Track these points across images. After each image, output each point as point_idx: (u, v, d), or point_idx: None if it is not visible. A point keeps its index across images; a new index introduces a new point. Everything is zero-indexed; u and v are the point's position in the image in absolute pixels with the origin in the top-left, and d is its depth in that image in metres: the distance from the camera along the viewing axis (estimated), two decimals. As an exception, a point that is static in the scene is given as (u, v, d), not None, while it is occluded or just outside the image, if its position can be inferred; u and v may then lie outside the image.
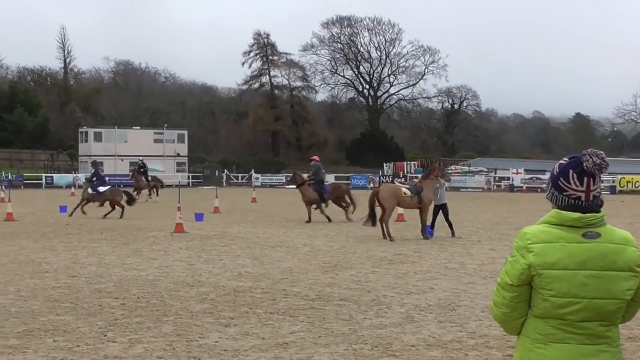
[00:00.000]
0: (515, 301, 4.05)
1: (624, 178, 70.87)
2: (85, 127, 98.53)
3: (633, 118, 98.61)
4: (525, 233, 4.05)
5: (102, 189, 35.14)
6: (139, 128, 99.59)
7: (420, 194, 23.91)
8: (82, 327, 10.68)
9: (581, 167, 4.02)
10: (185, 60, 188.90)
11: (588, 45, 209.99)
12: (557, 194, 4.08)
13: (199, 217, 30.87)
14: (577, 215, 3.98)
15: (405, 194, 24.05)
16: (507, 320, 4.14)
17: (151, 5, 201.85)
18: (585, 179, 4.02)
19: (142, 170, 53.49)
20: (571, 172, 4.03)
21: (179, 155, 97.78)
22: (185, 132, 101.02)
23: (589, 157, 4.02)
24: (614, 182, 70.26)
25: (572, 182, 4.03)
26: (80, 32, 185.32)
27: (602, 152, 4.06)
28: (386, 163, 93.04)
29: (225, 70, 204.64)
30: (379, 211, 24.13)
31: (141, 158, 61.72)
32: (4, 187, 56.07)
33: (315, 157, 35.35)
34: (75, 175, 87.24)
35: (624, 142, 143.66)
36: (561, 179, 4.06)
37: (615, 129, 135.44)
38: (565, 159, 4.15)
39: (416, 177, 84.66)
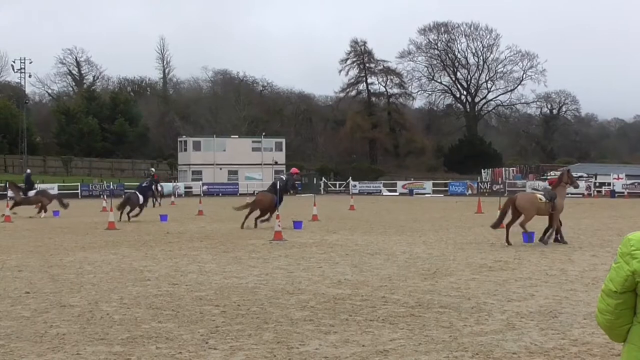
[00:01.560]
0: (620, 308, 4.01)
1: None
2: (184, 136, 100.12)
3: None
4: (629, 239, 4.00)
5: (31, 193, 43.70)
6: (237, 136, 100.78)
7: (554, 199, 23.87)
8: (183, 334, 10.87)
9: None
10: (283, 69, 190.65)
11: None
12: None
13: (298, 225, 31.07)
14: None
15: (540, 199, 24.04)
16: (611, 328, 4.10)
17: (247, 15, 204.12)
18: None
19: (151, 181, 47.08)
20: None
21: (276, 163, 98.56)
22: (283, 140, 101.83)
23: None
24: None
25: None
26: (178, 43, 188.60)
27: None
28: (484, 169, 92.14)
29: (322, 79, 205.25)
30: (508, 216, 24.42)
31: (152, 168, 61.67)
32: (105, 196, 57.18)
33: None
34: (174, 183, 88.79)
35: None
36: None
37: None
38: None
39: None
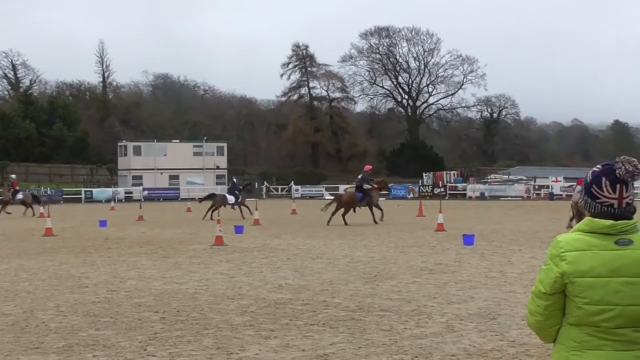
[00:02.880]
0: (550, 309, 4.07)
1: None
2: (124, 141, 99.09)
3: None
4: (558, 241, 4.06)
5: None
6: (178, 141, 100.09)
7: None
8: (121, 341, 10.75)
9: (613, 174, 4.02)
10: (224, 73, 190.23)
11: (626, 51, 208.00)
12: (590, 201, 4.09)
13: (239, 229, 30.96)
14: (609, 222, 3.99)
15: None
16: (541, 328, 4.16)
17: (187, 19, 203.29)
18: (618, 186, 4.02)
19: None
20: (604, 179, 4.04)
21: (218, 167, 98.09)
22: (225, 145, 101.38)
23: (621, 165, 4.02)
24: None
25: (604, 189, 4.03)
26: (118, 47, 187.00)
27: (634, 159, 4.05)
28: (426, 173, 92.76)
29: (264, 82, 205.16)
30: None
31: (12, 175, 62.70)
32: (43, 202, 56.02)
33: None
34: (114, 189, 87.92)
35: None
36: (594, 186, 4.07)
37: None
38: (598, 166, 4.16)
39: (455, 186, 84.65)
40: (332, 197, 40.50)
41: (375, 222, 35.62)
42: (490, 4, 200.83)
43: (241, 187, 45.98)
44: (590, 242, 3.99)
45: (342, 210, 35.91)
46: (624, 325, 3.92)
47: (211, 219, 40.13)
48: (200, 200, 48.43)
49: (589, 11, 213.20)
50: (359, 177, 37.37)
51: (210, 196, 46.40)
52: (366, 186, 36.53)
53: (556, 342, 4.13)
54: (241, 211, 43.10)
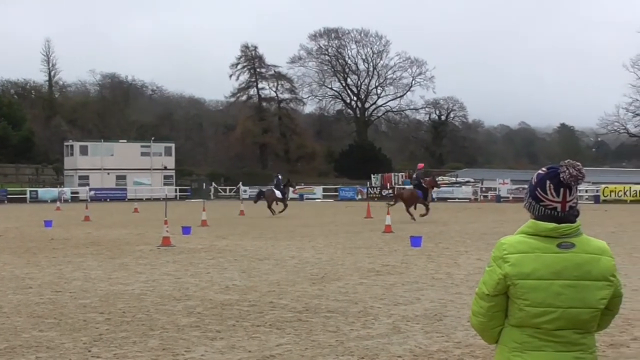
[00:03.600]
0: (492, 310, 4.09)
1: (607, 187, 71.41)
2: (70, 141, 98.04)
3: (616, 128, 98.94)
4: (502, 243, 4.09)
5: None
6: (125, 141, 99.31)
7: None
8: (65, 342, 10.62)
9: (558, 177, 4.05)
10: (172, 73, 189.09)
11: (572, 56, 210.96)
12: (534, 204, 4.12)
13: (186, 230, 30.79)
14: (552, 225, 4.02)
15: None
16: (484, 329, 4.19)
17: (135, 18, 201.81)
18: (562, 190, 4.05)
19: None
20: (548, 182, 4.07)
21: (166, 168, 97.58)
22: (173, 145, 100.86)
23: (565, 168, 4.04)
24: (597, 191, 70.87)
25: (548, 192, 4.06)
26: (65, 45, 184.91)
27: (578, 164, 4.08)
28: (374, 174, 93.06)
29: (213, 83, 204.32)
30: None
31: None
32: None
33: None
34: (60, 189, 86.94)
35: (607, 152, 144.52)
36: (538, 189, 4.10)
37: (599, 139, 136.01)
38: (543, 169, 4.18)
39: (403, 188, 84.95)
40: (394, 195, 45.36)
41: (414, 219, 37.35)
42: (439, 7, 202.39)
43: (283, 185, 49.36)
44: (534, 244, 4.02)
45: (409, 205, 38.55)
46: (565, 327, 3.97)
47: (273, 214, 45.35)
48: (256, 201, 50.10)
49: (535, 14, 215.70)
50: (414, 175, 40.27)
51: (260, 194, 49.49)
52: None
53: (498, 343, 4.16)
54: (285, 206, 46.63)
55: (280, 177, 50.23)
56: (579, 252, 4.01)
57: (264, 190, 50.60)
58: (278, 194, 47.46)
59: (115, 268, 19.50)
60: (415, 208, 38.50)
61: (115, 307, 13.41)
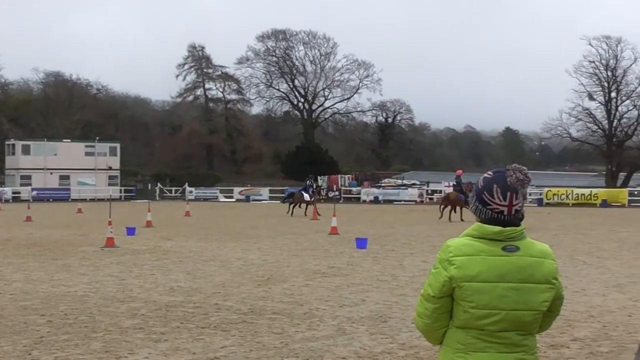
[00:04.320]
0: (437, 312, 4.11)
1: (550, 190, 72.40)
2: (12, 140, 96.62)
3: (559, 133, 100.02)
4: (448, 246, 4.10)
5: None
6: (69, 141, 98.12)
7: None
8: (4, 345, 10.43)
9: (504, 181, 4.07)
10: (118, 72, 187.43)
11: (517, 61, 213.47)
12: (481, 207, 4.13)
13: (131, 231, 30.53)
14: (498, 228, 4.04)
15: None
16: (429, 331, 4.20)
17: (81, 16, 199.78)
18: (508, 194, 4.07)
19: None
20: (495, 186, 4.09)
21: (110, 168, 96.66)
22: (118, 145, 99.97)
23: (512, 172, 4.07)
24: (540, 194, 71.81)
25: (495, 196, 4.08)
26: (7, 43, 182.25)
27: (524, 168, 4.11)
28: (320, 176, 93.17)
29: (159, 83, 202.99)
30: None
31: None
32: None
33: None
34: (1, 189, 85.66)
35: (550, 155, 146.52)
36: (485, 192, 4.11)
37: (543, 143, 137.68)
38: (490, 173, 4.20)
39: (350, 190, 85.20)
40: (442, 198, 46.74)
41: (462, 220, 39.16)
42: (387, 10, 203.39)
43: (313, 189, 53.26)
44: (479, 247, 4.04)
45: (454, 207, 40.84)
46: (508, 329, 4.00)
47: (291, 215, 47.49)
48: (283, 200, 54.58)
49: (480, 18, 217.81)
50: (454, 182, 43.11)
51: (290, 195, 53.31)
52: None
53: (443, 344, 4.18)
54: (315, 209, 46.64)
55: (309, 181, 52.29)
56: (523, 255, 4.04)
57: (294, 192, 54.41)
58: (306, 196, 50.06)
59: (57, 269, 19.26)
60: (455, 211, 40.92)
61: (57, 309, 13.24)
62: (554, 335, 10.66)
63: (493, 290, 3.98)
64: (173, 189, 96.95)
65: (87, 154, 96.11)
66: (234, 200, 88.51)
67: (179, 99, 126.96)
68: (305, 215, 47.28)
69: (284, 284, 16.43)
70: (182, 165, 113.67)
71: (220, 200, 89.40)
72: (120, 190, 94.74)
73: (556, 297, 4.16)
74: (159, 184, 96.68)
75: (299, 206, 49.93)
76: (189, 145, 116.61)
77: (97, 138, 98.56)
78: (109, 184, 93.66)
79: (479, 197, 4.14)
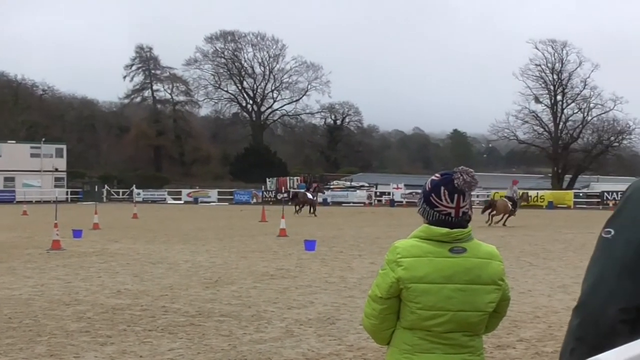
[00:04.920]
0: (385, 313, 4.11)
1: (498, 192, 72.94)
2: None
3: (506, 135, 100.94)
4: (395, 247, 4.12)
5: None
6: (14, 142, 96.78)
7: None
8: (-51, 348, 10.29)
9: (452, 184, 4.10)
10: (65, 73, 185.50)
11: (465, 64, 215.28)
12: (428, 209, 4.15)
13: (77, 234, 30.21)
14: (445, 230, 4.06)
15: None
16: (376, 331, 4.21)
17: (26, 16, 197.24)
18: (456, 196, 4.10)
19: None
20: (442, 188, 4.11)
21: (56, 170, 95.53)
22: (64, 146, 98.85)
23: (459, 175, 4.10)
24: (488, 196, 72.35)
25: (443, 198, 4.10)
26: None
27: (472, 170, 4.14)
28: (269, 178, 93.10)
29: (107, 84, 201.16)
30: None
31: None
32: None
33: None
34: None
35: (498, 157, 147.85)
36: (432, 194, 4.13)
37: (490, 145, 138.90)
38: (437, 175, 4.23)
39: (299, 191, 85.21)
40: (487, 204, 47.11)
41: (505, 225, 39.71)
42: (336, 13, 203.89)
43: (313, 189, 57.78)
44: (426, 249, 4.06)
45: (498, 212, 41.07)
46: (454, 330, 4.03)
47: (297, 213, 51.51)
48: (288, 202, 56.14)
49: (427, 20, 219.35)
50: (509, 191, 43.68)
51: (295, 195, 56.92)
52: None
53: (390, 345, 4.19)
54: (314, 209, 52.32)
55: (315, 183, 58.85)
56: (470, 257, 4.07)
57: (298, 192, 58.64)
58: (309, 196, 54.67)
59: (1, 272, 19.00)
60: (501, 217, 41.15)
61: (1, 313, 13.05)
62: (500, 336, 10.75)
63: (440, 291, 4.00)
64: (120, 191, 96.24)
65: (32, 155, 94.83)
66: (182, 202, 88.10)
67: (126, 100, 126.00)
68: (310, 213, 51.62)
69: (232, 286, 16.39)
70: (130, 167, 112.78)
71: (169, 202, 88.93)
72: (67, 192, 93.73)
73: (502, 298, 4.20)
74: (106, 186, 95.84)
75: (301, 206, 53.50)
76: (137, 146, 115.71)
77: (43, 139, 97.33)
78: (55, 186, 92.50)
79: (427, 199, 4.16)
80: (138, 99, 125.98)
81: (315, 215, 50.42)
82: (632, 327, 2.90)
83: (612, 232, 2.96)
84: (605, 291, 2.91)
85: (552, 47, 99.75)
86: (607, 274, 2.92)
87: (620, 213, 2.98)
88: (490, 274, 4.09)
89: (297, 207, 53.39)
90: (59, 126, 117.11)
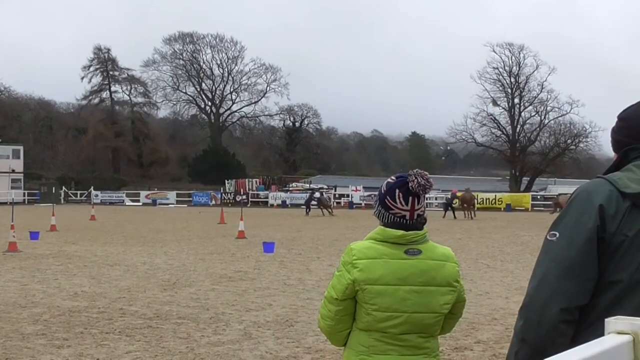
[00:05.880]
0: (340, 314, 4.15)
1: (456, 195, 73.39)
2: None
3: (464, 138, 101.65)
4: (351, 248, 4.15)
5: None
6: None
7: None
8: None
9: (407, 186, 4.12)
10: (21, 73, 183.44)
11: (422, 66, 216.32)
12: (384, 212, 4.18)
13: (34, 235, 29.94)
14: (400, 232, 4.10)
15: None
16: (332, 332, 4.25)
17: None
18: (410, 199, 4.12)
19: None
20: (397, 191, 4.13)
21: (13, 171, 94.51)
22: (21, 148, 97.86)
23: (414, 178, 4.12)
24: (446, 198, 72.75)
25: (397, 201, 4.13)
26: None
27: (426, 173, 4.18)
28: (228, 180, 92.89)
29: (64, 85, 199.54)
30: None
31: None
32: None
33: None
34: None
35: (456, 160, 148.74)
36: (387, 197, 4.16)
37: (448, 147, 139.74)
38: (392, 178, 4.26)
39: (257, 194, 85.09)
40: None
41: None
42: (293, 14, 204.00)
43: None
44: (382, 250, 4.09)
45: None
46: (410, 332, 4.07)
47: (328, 214, 57.14)
48: (310, 205, 60.27)
49: (381, 23, 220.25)
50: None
51: (318, 199, 60.57)
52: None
53: (346, 347, 4.22)
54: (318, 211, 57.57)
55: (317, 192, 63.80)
56: (425, 259, 4.11)
57: (319, 197, 62.02)
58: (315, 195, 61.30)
59: (-43, 274, 18.79)
60: None
61: (-44, 315, 12.92)
62: (457, 338, 10.84)
63: (395, 293, 4.03)
64: (78, 192, 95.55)
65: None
66: (140, 204, 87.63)
67: (84, 102, 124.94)
68: (330, 213, 57.35)
69: (190, 289, 16.35)
70: (88, 169, 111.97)
71: (127, 204, 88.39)
72: (24, 193, 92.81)
73: (458, 300, 4.24)
74: (63, 188, 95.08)
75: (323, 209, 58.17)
76: (95, 148, 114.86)
77: (0, 140, 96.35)
78: (12, 187, 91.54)
79: (382, 202, 4.19)
80: (96, 100, 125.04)
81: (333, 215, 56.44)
82: (576, 329, 2.97)
83: (557, 235, 3.04)
84: (547, 291, 2.98)
85: (510, 51, 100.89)
86: (550, 275, 3.00)
87: (564, 216, 3.07)
88: (445, 275, 4.14)
89: (325, 210, 58.11)
90: (15, 127, 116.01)
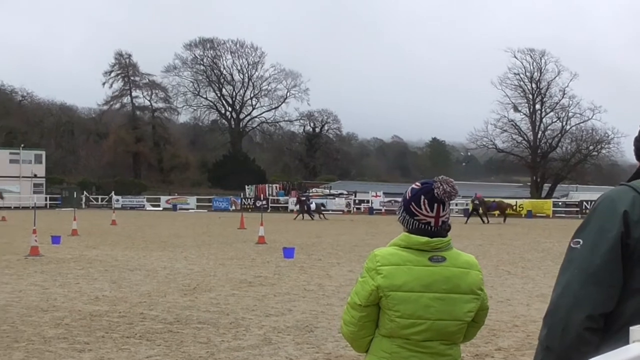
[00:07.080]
0: (363, 320, 4.13)
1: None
2: None
3: (484, 144, 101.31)
4: (375, 255, 4.14)
5: None
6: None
7: None
8: None
9: (432, 193, 4.12)
10: (44, 79, 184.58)
11: (444, 71, 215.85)
12: (408, 218, 4.17)
13: (56, 240, 30.08)
14: (425, 239, 4.09)
15: None
16: (355, 339, 4.23)
17: (4, 21, 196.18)
18: (436, 205, 4.12)
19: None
20: (422, 197, 4.13)
21: (35, 176, 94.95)
22: (43, 153, 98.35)
23: (439, 184, 4.12)
24: (467, 205, 72.53)
25: (422, 207, 4.12)
26: None
27: (452, 180, 4.16)
28: (248, 185, 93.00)
29: (85, 90, 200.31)
30: None
31: None
32: None
33: None
34: None
35: (476, 166, 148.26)
36: (412, 203, 4.15)
37: (469, 153, 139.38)
38: (417, 184, 4.24)
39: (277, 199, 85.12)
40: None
41: None
42: (312, 21, 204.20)
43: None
44: (406, 257, 4.08)
45: None
46: (432, 339, 4.06)
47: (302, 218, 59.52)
48: (312, 211, 62.20)
49: (390, 27, 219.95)
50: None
51: (317, 206, 65.32)
52: None
53: (368, 353, 4.21)
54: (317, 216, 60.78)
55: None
56: (449, 266, 4.10)
57: (318, 203, 68.62)
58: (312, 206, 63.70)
59: (-21, 278, 18.89)
60: None
61: (-22, 319, 12.99)
62: (478, 345, 10.80)
63: (419, 300, 4.03)
64: (99, 197, 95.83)
65: (11, 161, 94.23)
66: (160, 209, 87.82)
67: (105, 107, 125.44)
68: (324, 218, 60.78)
69: (210, 294, 16.37)
70: (109, 174, 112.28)
71: (147, 208, 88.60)
72: (46, 198, 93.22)
73: (481, 308, 4.23)
74: (85, 192, 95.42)
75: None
76: (116, 153, 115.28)
77: (22, 145, 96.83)
78: (34, 192, 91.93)
79: (407, 208, 4.18)
80: (117, 106, 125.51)
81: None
82: (602, 336, 2.95)
83: (581, 242, 3.02)
84: (571, 299, 2.96)
85: (531, 56, 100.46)
86: (574, 282, 2.98)
87: (588, 223, 3.05)
88: (469, 283, 4.13)
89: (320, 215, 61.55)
90: (37, 132, 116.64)
